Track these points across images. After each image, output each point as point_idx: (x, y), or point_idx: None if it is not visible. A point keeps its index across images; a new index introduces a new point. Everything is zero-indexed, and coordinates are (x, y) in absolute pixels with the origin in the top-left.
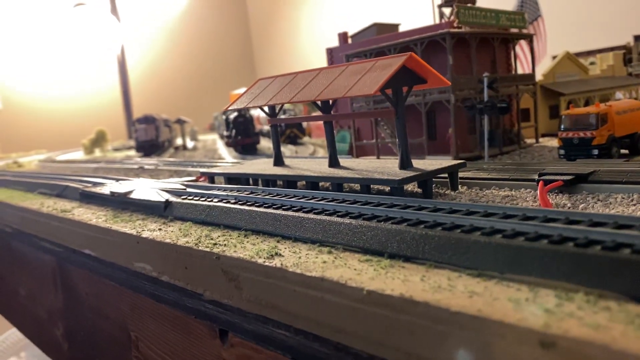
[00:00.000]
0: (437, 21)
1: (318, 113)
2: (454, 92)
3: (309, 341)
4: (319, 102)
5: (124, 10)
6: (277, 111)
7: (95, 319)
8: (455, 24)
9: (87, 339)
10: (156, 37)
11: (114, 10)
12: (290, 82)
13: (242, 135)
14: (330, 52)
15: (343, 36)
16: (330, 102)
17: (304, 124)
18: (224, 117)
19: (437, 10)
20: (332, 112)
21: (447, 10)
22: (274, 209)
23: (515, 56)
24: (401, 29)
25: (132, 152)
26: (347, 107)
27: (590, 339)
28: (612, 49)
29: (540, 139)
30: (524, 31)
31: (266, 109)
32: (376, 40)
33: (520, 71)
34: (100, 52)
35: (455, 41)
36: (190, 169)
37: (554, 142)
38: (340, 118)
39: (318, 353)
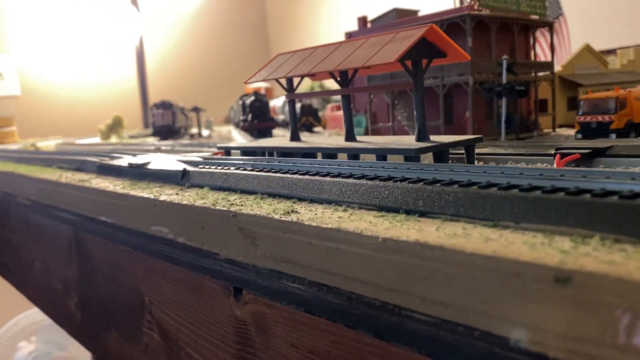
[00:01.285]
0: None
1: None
2: (472, 75)
3: (323, 293)
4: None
5: (143, 0)
6: (295, 86)
7: (109, 286)
8: (475, 7)
9: (100, 307)
10: (174, 28)
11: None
12: (309, 56)
13: (258, 119)
14: (350, 36)
15: (362, 20)
16: (349, 75)
17: (320, 114)
18: (240, 102)
19: None
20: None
21: None
22: (291, 174)
23: (535, 42)
24: (420, 14)
25: (149, 139)
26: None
27: (606, 273)
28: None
29: (557, 129)
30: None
31: (284, 83)
32: (395, 24)
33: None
34: (118, 41)
35: (475, 25)
36: (206, 148)
37: (571, 132)
38: (358, 91)
39: (331, 304)
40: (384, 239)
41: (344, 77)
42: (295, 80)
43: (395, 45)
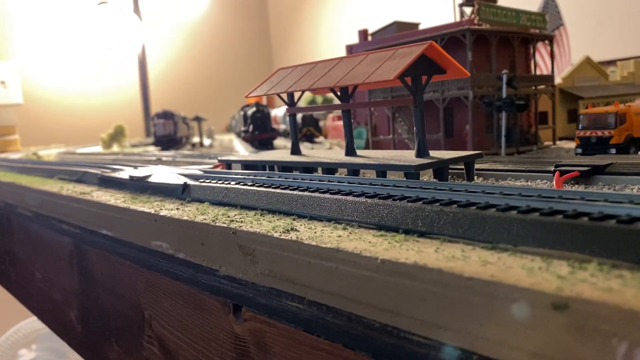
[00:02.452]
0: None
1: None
2: (472, 89)
3: (322, 313)
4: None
5: (145, 9)
6: (295, 100)
7: (110, 300)
8: (475, 22)
9: (100, 320)
10: (176, 37)
11: (136, 9)
12: (310, 71)
13: (259, 130)
14: (350, 48)
15: (363, 33)
16: (349, 90)
17: (321, 123)
18: (242, 112)
19: (457, 10)
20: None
21: (467, 10)
22: (291, 190)
23: (535, 51)
24: (421, 28)
25: (150, 148)
26: (364, 101)
27: (603, 300)
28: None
29: (558, 142)
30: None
31: (285, 97)
32: (396, 38)
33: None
34: (121, 49)
35: (475, 39)
36: (207, 160)
37: (571, 145)
38: (358, 106)
39: (330, 324)
40: (382, 260)
41: (344, 93)
42: (296, 95)
43: (394, 62)
